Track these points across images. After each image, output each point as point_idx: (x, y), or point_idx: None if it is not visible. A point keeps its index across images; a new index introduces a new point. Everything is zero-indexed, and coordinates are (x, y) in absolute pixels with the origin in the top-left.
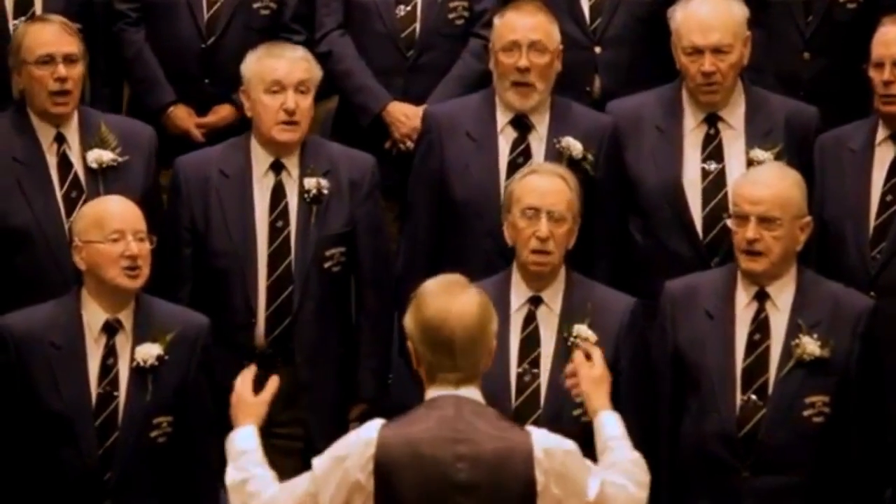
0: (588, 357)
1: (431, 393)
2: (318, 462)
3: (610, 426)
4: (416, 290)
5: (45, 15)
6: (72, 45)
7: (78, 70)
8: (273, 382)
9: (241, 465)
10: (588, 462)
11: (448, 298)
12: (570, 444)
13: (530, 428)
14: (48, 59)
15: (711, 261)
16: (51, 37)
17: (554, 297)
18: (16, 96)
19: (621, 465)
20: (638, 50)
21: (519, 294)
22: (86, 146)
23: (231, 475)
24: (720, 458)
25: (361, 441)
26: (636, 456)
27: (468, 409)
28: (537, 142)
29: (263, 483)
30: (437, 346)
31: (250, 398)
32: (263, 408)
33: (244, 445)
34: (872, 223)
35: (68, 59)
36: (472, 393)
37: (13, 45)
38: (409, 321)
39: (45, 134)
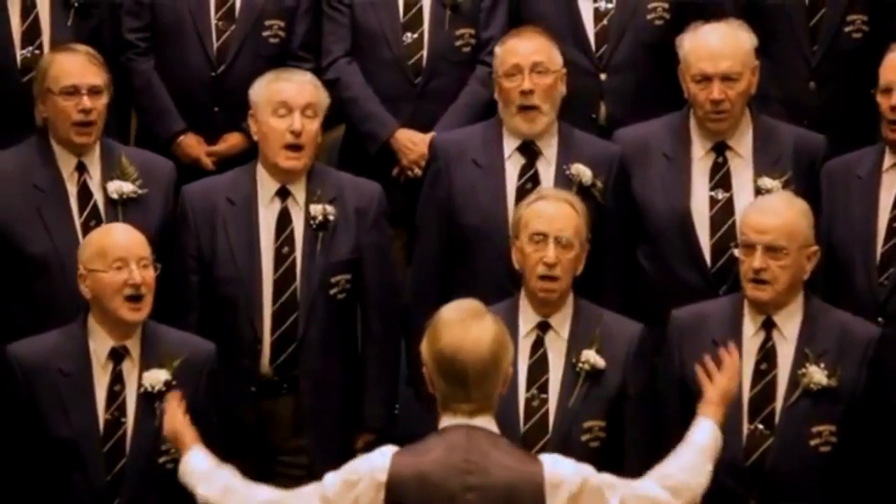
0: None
1: (445, 421)
2: (329, 482)
3: (698, 432)
4: (433, 316)
5: (72, 45)
6: (97, 76)
7: (102, 101)
8: None
9: (215, 479)
10: (608, 479)
11: (462, 330)
12: (583, 469)
13: (543, 457)
14: (73, 91)
15: (719, 289)
16: (76, 68)
17: (562, 323)
18: (39, 123)
19: (665, 470)
20: (644, 77)
21: (527, 320)
22: (106, 176)
23: (207, 489)
24: (727, 487)
25: (375, 467)
26: (689, 462)
27: (480, 439)
28: (546, 168)
29: (252, 490)
30: (450, 378)
31: (182, 422)
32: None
33: (205, 465)
34: (880, 249)
35: (93, 91)
36: (486, 422)
37: (38, 73)
38: (424, 349)
39: (67, 163)
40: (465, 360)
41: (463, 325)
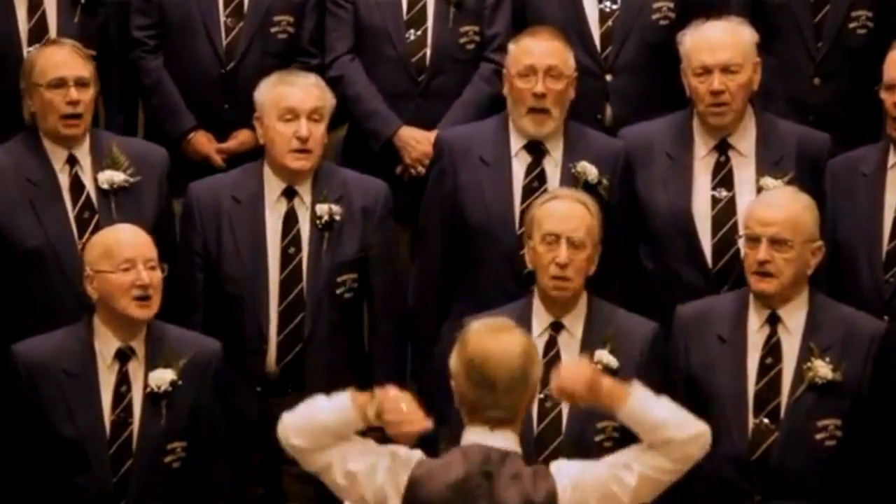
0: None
1: (466, 436)
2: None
3: (652, 409)
4: (462, 329)
5: (56, 39)
6: (83, 68)
7: (89, 93)
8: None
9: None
10: (617, 460)
11: (492, 339)
12: (593, 467)
13: (553, 467)
14: (60, 83)
15: (721, 289)
16: (63, 60)
17: (575, 323)
18: (27, 119)
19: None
20: (649, 78)
21: (540, 320)
22: (98, 167)
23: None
24: (733, 481)
25: (402, 463)
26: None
27: (498, 459)
28: (552, 166)
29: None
30: (478, 384)
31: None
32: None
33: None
34: (885, 247)
35: (80, 83)
36: (508, 439)
37: (25, 69)
38: (453, 360)
39: (57, 156)
40: (496, 367)
41: (493, 334)
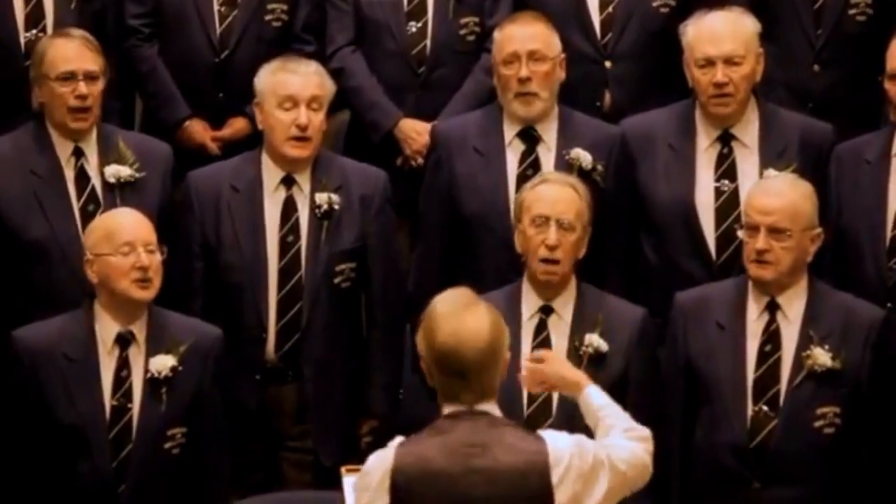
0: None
1: (447, 409)
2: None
3: (597, 397)
4: (426, 308)
5: (68, 30)
6: (93, 62)
7: (98, 87)
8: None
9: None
10: (597, 442)
11: (458, 324)
12: (581, 440)
13: (544, 434)
14: (69, 76)
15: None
16: (73, 53)
17: (565, 307)
18: (35, 108)
19: (618, 430)
20: (649, 64)
21: (530, 304)
22: (103, 161)
23: None
24: (732, 469)
25: (381, 461)
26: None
27: (483, 422)
28: (546, 153)
29: None
30: (449, 373)
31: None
32: None
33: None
34: (889, 234)
35: (89, 77)
36: (489, 407)
37: (35, 58)
38: (420, 343)
39: (64, 148)
40: (465, 355)
41: (458, 317)
